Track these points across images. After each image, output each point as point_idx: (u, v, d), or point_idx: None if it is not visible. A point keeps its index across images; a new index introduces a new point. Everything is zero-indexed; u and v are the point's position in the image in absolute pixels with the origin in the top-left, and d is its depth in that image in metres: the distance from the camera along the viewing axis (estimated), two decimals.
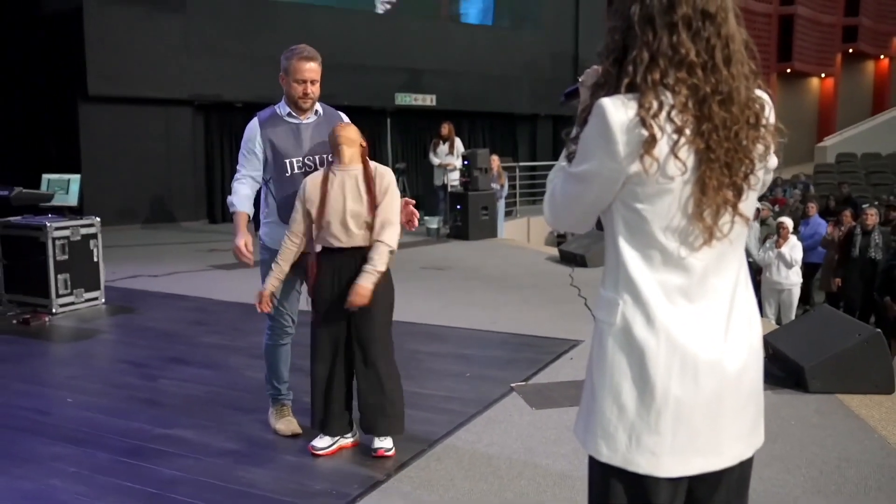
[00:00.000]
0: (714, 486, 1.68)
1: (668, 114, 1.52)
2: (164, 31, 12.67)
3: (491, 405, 4.36)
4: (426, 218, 12.46)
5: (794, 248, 8.41)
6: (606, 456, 1.63)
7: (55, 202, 7.05)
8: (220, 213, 13.96)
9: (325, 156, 3.83)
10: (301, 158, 3.81)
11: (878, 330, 4.68)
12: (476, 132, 16.45)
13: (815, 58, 26.47)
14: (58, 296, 6.68)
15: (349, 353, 3.63)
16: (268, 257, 3.85)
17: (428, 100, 15.57)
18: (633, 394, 1.60)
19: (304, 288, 3.97)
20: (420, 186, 14.91)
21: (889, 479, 3.42)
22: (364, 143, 3.65)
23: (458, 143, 12.36)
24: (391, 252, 3.58)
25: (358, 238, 3.56)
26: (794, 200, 15.07)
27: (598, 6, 18.46)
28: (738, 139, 1.56)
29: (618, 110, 1.53)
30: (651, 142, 1.51)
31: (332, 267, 3.62)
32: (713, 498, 1.70)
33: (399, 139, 15.83)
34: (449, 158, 12.20)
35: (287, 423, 3.92)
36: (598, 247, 8.86)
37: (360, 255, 3.56)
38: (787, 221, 8.86)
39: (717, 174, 1.55)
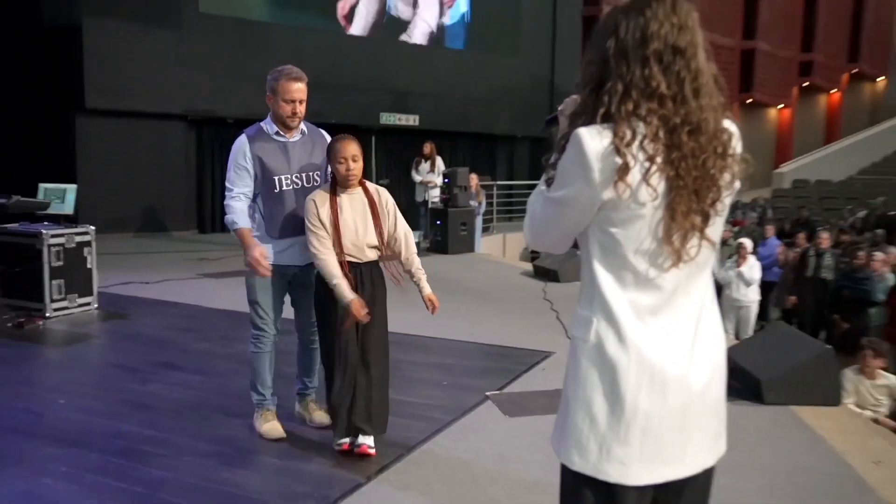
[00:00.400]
0: (678, 494, 1.70)
1: (641, 143, 1.54)
2: (160, 48, 12.62)
3: (467, 413, 4.36)
4: None
5: (752, 268, 8.50)
6: (578, 465, 1.64)
7: (51, 210, 7.01)
8: (209, 223, 13.88)
9: (311, 173, 3.85)
10: (290, 175, 3.77)
11: (829, 347, 4.75)
12: (456, 152, 16.48)
13: (774, 90, 26.79)
14: (52, 300, 6.61)
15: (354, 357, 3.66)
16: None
17: (411, 120, 15.59)
18: (604, 407, 1.62)
19: (288, 298, 3.99)
20: (402, 202, 14.78)
21: (837, 487, 3.47)
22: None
23: (439, 161, 12.38)
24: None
25: (370, 255, 3.66)
26: (752, 222, 15.20)
27: (572, 35, 18.64)
28: (705, 168, 1.58)
29: (593, 139, 1.55)
30: (624, 169, 1.52)
31: (353, 279, 3.61)
32: (676, 502, 1.72)
33: (383, 157, 15.81)
34: (430, 176, 12.21)
35: (271, 427, 3.89)
36: (570, 263, 8.91)
37: (372, 267, 3.71)
38: (747, 243, 8.94)
39: (686, 200, 1.56)
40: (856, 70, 30.23)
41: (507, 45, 17.41)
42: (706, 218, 1.60)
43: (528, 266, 10.52)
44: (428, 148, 12.36)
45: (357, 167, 3.60)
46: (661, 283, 1.62)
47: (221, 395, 4.68)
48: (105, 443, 3.85)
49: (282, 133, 3.75)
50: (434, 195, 12.06)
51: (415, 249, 3.88)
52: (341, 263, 3.58)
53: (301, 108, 3.71)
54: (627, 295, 1.62)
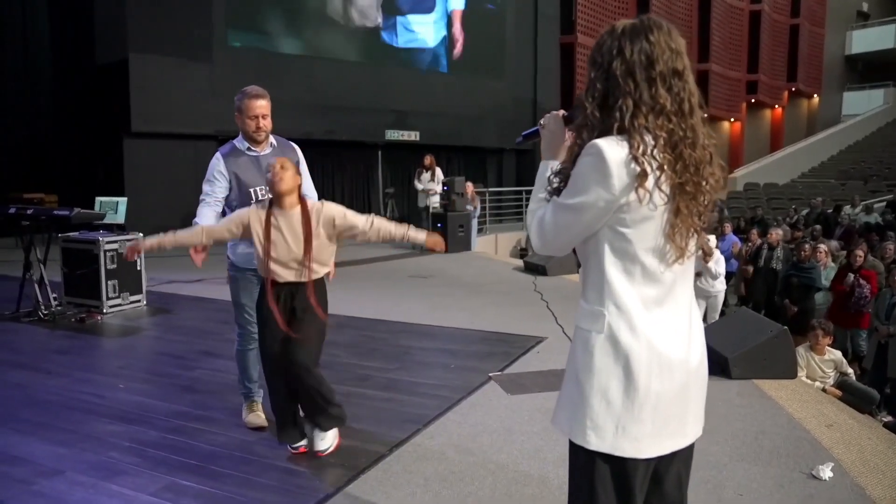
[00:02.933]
0: (671, 460, 1.69)
1: (651, 153, 1.52)
2: (194, 78, 12.54)
3: (473, 392, 4.31)
4: None
5: (718, 263, 8.48)
6: (595, 444, 1.61)
7: (106, 220, 7.01)
8: None
9: None
10: (264, 187, 3.57)
11: (785, 328, 4.72)
12: (452, 163, 16.44)
13: (725, 105, 26.76)
14: (108, 298, 6.59)
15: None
16: (236, 274, 3.71)
17: (413, 136, 15.51)
18: (619, 391, 1.59)
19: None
20: (406, 208, 14.85)
21: (795, 447, 3.46)
22: (300, 183, 3.28)
23: (438, 171, 12.34)
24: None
25: (293, 275, 3.25)
26: (713, 221, 15.18)
27: (551, 60, 18.61)
28: (701, 175, 1.58)
29: (613, 149, 1.52)
30: (643, 176, 1.51)
31: (278, 295, 3.27)
32: (669, 469, 1.71)
33: (388, 169, 15.76)
34: (431, 185, 12.17)
35: (255, 417, 3.75)
36: (556, 259, 8.86)
37: (302, 287, 3.27)
38: (712, 240, 8.91)
39: (688, 203, 1.56)
40: (794, 88, 30.21)
41: (493, 70, 17.37)
42: (702, 218, 1.60)
43: (519, 262, 10.49)
44: (428, 160, 12.32)
45: (266, 124, 3.50)
46: (664, 278, 1.61)
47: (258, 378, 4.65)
48: (161, 421, 3.83)
49: (253, 148, 3.59)
50: (434, 201, 12.02)
51: (383, 224, 3.35)
52: (267, 281, 3.23)
53: (265, 123, 3.53)
54: (636, 289, 1.60)
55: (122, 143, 12.16)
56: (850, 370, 5.72)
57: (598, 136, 1.57)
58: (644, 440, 1.60)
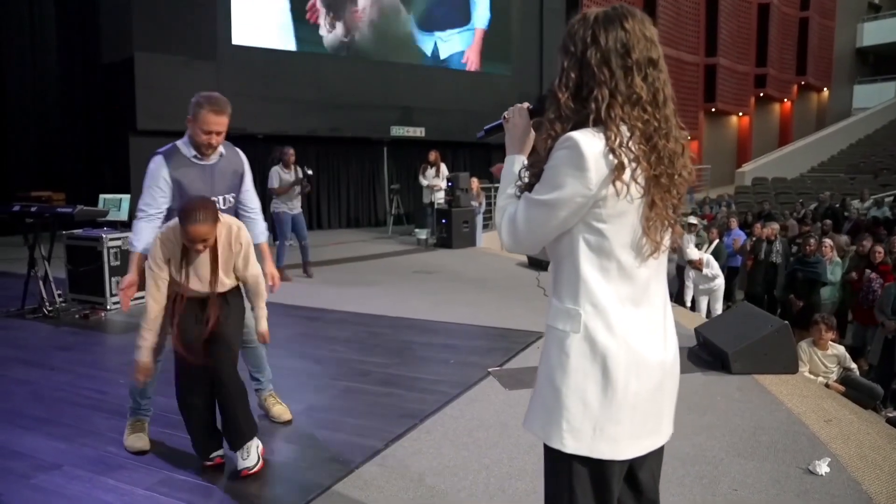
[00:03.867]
0: (644, 457, 1.65)
1: (627, 144, 1.48)
2: (200, 76, 12.54)
3: (471, 387, 4.30)
4: (416, 230, 12.42)
5: (710, 266, 8.66)
6: (573, 447, 1.56)
7: (110, 217, 7.04)
8: None
9: (228, 195, 3.44)
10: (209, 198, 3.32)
11: (786, 322, 4.68)
12: (458, 159, 16.41)
13: (734, 100, 26.61)
14: (111, 295, 6.60)
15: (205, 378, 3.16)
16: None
17: (418, 132, 15.49)
18: (596, 392, 1.54)
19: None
20: (411, 204, 14.83)
21: (793, 442, 3.44)
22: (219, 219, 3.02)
23: (443, 167, 12.31)
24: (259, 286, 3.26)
25: (206, 287, 3.09)
26: (721, 216, 15.12)
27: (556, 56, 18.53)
28: (674, 166, 1.54)
29: (590, 141, 1.48)
30: (621, 168, 1.47)
31: (194, 307, 3.11)
32: (643, 466, 1.69)
33: (394, 165, 15.75)
34: (436, 180, 12.14)
35: (135, 440, 3.40)
36: None
37: (205, 301, 3.10)
38: (704, 257, 8.94)
39: (662, 196, 1.53)
40: (804, 82, 30.02)
41: (499, 65, 17.33)
42: (676, 210, 1.57)
43: (523, 258, 10.44)
44: (433, 156, 12.30)
45: (219, 140, 3.26)
46: (639, 274, 1.57)
47: None
48: (159, 417, 3.77)
49: (199, 157, 3.29)
50: (439, 197, 11.98)
51: (261, 293, 3.31)
52: (179, 297, 3.07)
53: (217, 140, 3.25)
54: (612, 286, 1.55)
55: (128, 141, 12.20)
56: (854, 365, 5.67)
57: (573, 129, 1.52)
58: (622, 441, 1.56)
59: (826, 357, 5.50)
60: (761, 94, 28.14)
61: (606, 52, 1.51)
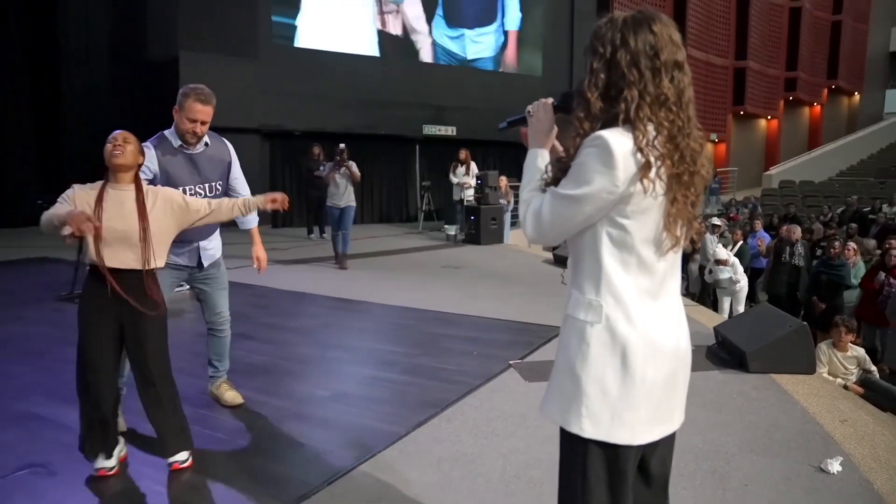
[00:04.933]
0: (655, 446, 1.68)
1: (653, 143, 1.50)
2: (240, 75, 12.75)
3: (493, 378, 4.32)
4: (446, 226, 12.45)
5: (736, 272, 8.67)
6: (591, 432, 1.58)
7: None
8: (280, 219, 14.01)
9: (214, 183, 3.48)
10: (193, 186, 3.39)
11: (805, 323, 4.63)
12: (487, 157, 16.37)
13: (763, 103, 26.18)
14: None
15: (119, 370, 3.01)
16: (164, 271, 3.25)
17: (449, 130, 15.54)
18: (615, 379, 1.56)
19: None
20: (441, 201, 14.87)
21: (806, 441, 3.40)
22: (141, 162, 2.90)
23: (473, 165, 12.31)
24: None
25: (129, 260, 2.81)
26: (745, 217, 14.93)
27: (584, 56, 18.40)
28: (696, 165, 1.56)
29: (619, 141, 1.50)
30: (648, 167, 1.49)
31: (102, 286, 2.78)
32: (654, 454, 1.71)
33: (425, 162, 15.80)
34: (465, 178, 12.15)
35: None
36: None
37: (139, 279, 2.82)
38: (726, 255, 8.89)
39: (684, 193, 1.54)
40: (834, 86, 29.43)
41: (529, 66, 17.27)
42: (695, 207, 1.58)
43: (548, 255, 10.45)
44: (463, 154, 12.31)
45: (203, 130, 3.28)
46: (657, 268, 1.59)
47: (288, 360, 4.74)
48: (195, 398, 3.89)
49: (185, 146, 3.34)
50: (469, 194, 12.00)
51: (223, 201, 3.14)
52: (100, 268, 2.75)
53: (202, 129, 3.30)
54: (632, 279, 1.57)
55: None
56: (874, 368, 5.57)
57: (601, 128, 1.54)
58: (638, 427, 1.59)
59: (846, 359, 5.41)
60: (791, 98, 27.64)
61: (636, 53, 1.53)
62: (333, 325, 5.79)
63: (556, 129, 1.77)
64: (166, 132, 3.37)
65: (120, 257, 2.80)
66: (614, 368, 1.56)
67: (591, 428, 1.57)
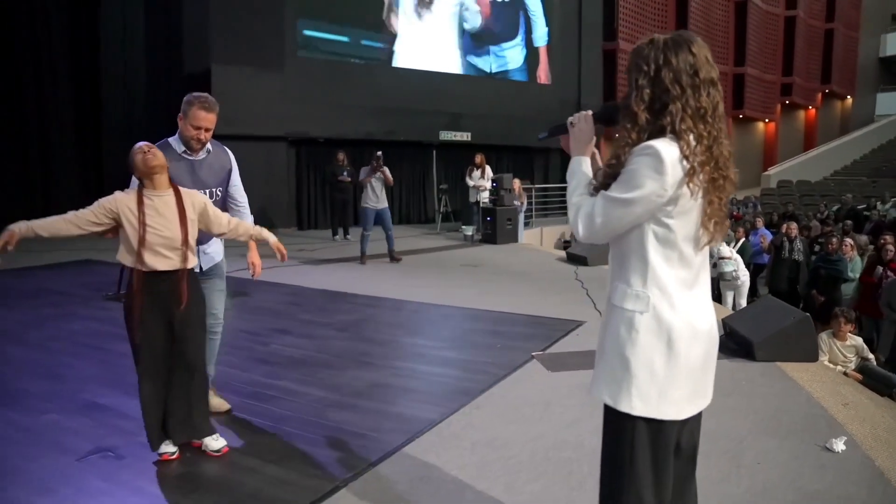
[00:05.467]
0: (685, 421, 1.77)
1: (695, 151, 1.60)
2: (268, 85, 12.88)
3: (517, 368, 4.39)
4: (463, 227, 12.52)
5: (738, 270, 8.70)
6: (641, 410, 1.67)
7: None
8: (306, 221, 14.13)
9: (215, 189, 3.39)
10: (198, 191, 3.23)
11: (807, 314, 4.69)
12: (501, 161, 16.44)
13: (761, 107, 26.06)
14: None
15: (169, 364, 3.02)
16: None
17: (465, 136, 15.58)
18: (662, 362, 1.66)
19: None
20: (458, 202, 14.94)
21: (812, 423, 3.47)
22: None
23: (488, 169, 12.35)
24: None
25: (170, 264, 2.88)
26: (747, 216, 14.91)
27: (595, 65, 18.42)
28: (727, 171, 1.66)
29: (668, 150, 1.59)
30: (692, 172, 1.58)
31: (155, 289, 2.88)
32: (684, 429, 1.80)
33: (442, 166, 15.87)
34: (481, 181, 12.20)
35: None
36: (597, 250, 8.85)
37: (175, 278, 2.89)
38: (729, 252, 8.90)
39: (718, 195, 1.64)
40: (828, 90, 29.24)
41: (541, 74, 17.32)
42: (726, 207, 1.68)
43: (562, 253, 10.50)
44: (479, 158, 12.36)
45: (207, 137, 3.20)
46: (694, 262, 1.69)
47: (323, 353, 4.81)
48: (241, 388, 4.00)
49: (188, 153, 3.27)
50: (484, 197, 12.05)
51: (242, 223, 3.20)
52: (135, 272, 2.84)
53: (205, 136, 3.23)
54: (673, 272, 1.67)
55: None
56: (871, 356, 5.61)
57: (648, 138, 1.64)
58: (682, 403, 1.69)
59: (845, 348, 5.46)
60: (787, 102, 27.49)
61: (678, 72, 1.62)
62: (364, 321, 5.88)
63: (594, 138, 1.85)
64: (170, 139, 3.30)
65: (163, 260, 2.85)
66: (661, 352, 1.66)
67: (641, 406, 1.67)
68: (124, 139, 13.45)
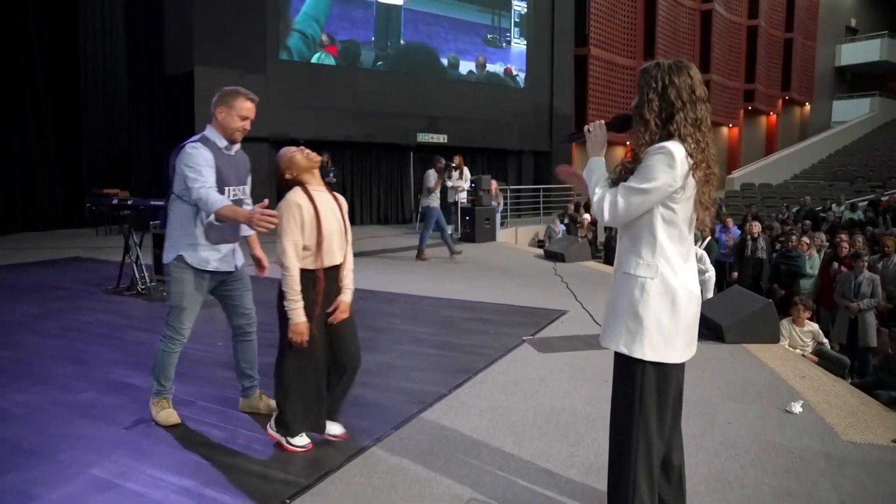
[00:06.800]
0: (679, 365, 2.21)
1: (693, 152, 2.04)
2: (249, 88, 12.59)
3: (511, 350, 4.79)
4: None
5: (703, 261, 9.16)
6: (651, 356, 2.09)
7: None
8: None
9: (243, 187, 3.34)
10: (235, 187, 3.27)
11: (770, 300, 5.20)
12: (477, 163, 16.84)
13: (725, 112, 26.94)
14: None
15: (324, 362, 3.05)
16: (189, 276, 3.25)
17: (442, 138, 15.96)
18: (667, 317, 2.08)
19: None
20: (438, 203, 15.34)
21: (773, 391, 3.97)
22: None
23: (466, 171, 12.72)
24: None
25: (337, 257, 2.97)
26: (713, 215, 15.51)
27: (566, 70, 18.90)
28: (715, 169, 2.10)
29: (677, 149, 2.02)
30: (695, 167, 2.02)
31: (329, 285, 2.94)
32: (677, 371, 2.22)
33: (420, 168, 16.17)
34: (459, 182, 12.52)
35: (170, 415, 3.39)
36: (574, 247, 9.34)
37: (338, 272, 2.98)
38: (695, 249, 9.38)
39: (709, 187, 2.09)
40: (788, 97, 30.33)
41: (509, 78, 17.80)
42: (712, 197, 2.12)
43: (539, 251, 10.96)
44: (457, 160, 12.62)
45: (249, 127, 3.24)
46: (688, 240, 2.13)
47: None
48: (263, 370, 4.14)
49: (228, 147, 3.25)
50: (462, 197, 12.40)
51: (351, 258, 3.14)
52: (317, 270, 2.86)
53: (248, 127, 3.26)
54: (674, 247, 2.10)
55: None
56: (826, 340, 6.18)
57: (659, 140, 2.06)
58: (681, 350, 2.13)
59: (803, 333, 6.01)
60: (749, 108, 28.46)
61: (680, 89, 2.06)
62: (362, 312, 6.08)
63: (606, 141, 2.28)
64: (207, 133, 3.25)
65: (334, 256, 2.92)
66: (667, 309, 2.09)
67: (651, 352, 2.10)
68: (105, 142, 13.59)
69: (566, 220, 14.70)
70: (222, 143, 3.24)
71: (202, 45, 12.46)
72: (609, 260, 12.14)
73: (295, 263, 2.82)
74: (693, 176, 2.04)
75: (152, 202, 6.86)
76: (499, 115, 16.98)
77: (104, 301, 6.60)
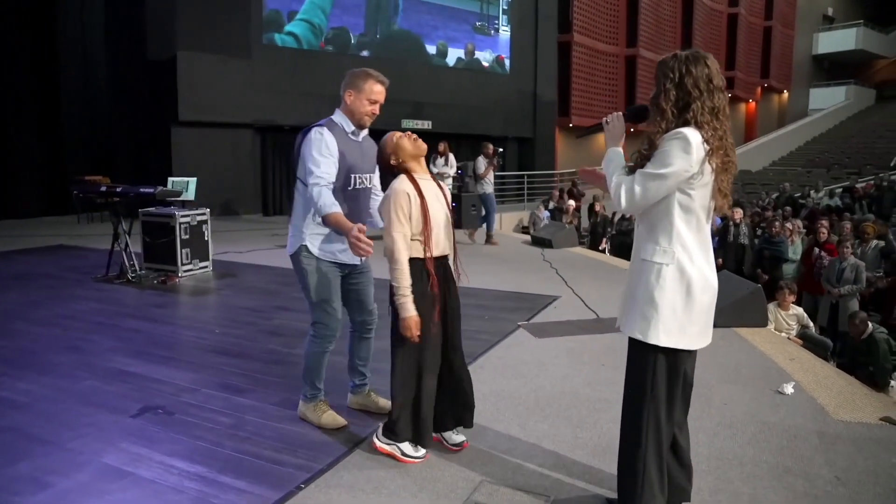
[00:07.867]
0: (692, 352, 2.25)
1: (710, 139, 2.05)
2: (235, 73, 12.99)
3: (507, 335, 4.85)
4: None
5: None
6: (665, 341, 2.11)
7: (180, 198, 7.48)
8: (272, 207, 14.33)
9: (370, 175, 3.14)
10: (361, 175, 3.08)
11: (759, 286, 5.32)
12: (461, 149, 16.85)
13: None
14: (182, 264, 7.11)
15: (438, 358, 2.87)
16: (320, 267, 3.08)
17: (426, 125, 15.92)
18: (682, 304, 2.10)
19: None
20: None
21: (765, 373, 4.09)
22: None
23: (451, 157, 12.74)
24: None
25: (446, 246, 2.83)
26: None
27: (550, 57, 18.95)
28: (733, 157, 2.13)
29: (693, 135, 2.03)
30: (711, 153, 2.03)
31: (441, 275, 2.78)
32: (690, 359, 2.27)
33: None
34: (445, 168, 12.49)
35: (333, 418, 3.27)
36: (561, 233, 9.42)
37: (447, 260, 2.85)
38: None
39: (726, 175, 2.10)
40: (767, 84, 30.72)
41: (498, 65, 17.82)
42: (729, 185, 2.14)
43: (526, 237, 11.03)
44: (442, 146, 12.55)
45: (378, 111, 3.08)
46: (706, 229, 2.15)
47: None
48: (260, 356, 4.34)
49: (356, 132, 3.09)
50: (448, 184, 12.42)
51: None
52: (427, 260, 2.71)
53: (377, 111, 3.11)
54: (692, 234, 2.11)
55: (170, 131, 12.65)
56: (811, 324, 6.35)
57: (675, 127, 2.07)
58: (695, 337, 2.15)
59: (788, 316, 6.17)
60: (729, 95, 28.70)
61: (697, 79, 2.08)
62: None
63: (624, 131, 2.31)
64: (334, 118, 3.07)
65: (442, 245, 2.79)
66: (682, 296, 2.11)
67: (665, 338, 2.12)
68: (86, 127, 13.42)
69: (551, 206, 14.79)
70: (350, 127, 3.07)
71: (185, 29, 12.33)
72: (594, 245, 12.26)
73: (405, 256, 2.68)
74: (710, 163, 2.05)
75: (141, 189, 6.82)
76: (483, 101, 16.99)
77: (95, 289, 6.57)
